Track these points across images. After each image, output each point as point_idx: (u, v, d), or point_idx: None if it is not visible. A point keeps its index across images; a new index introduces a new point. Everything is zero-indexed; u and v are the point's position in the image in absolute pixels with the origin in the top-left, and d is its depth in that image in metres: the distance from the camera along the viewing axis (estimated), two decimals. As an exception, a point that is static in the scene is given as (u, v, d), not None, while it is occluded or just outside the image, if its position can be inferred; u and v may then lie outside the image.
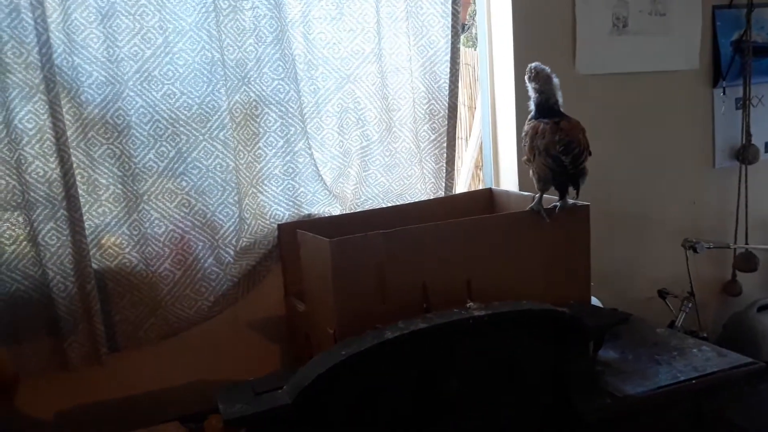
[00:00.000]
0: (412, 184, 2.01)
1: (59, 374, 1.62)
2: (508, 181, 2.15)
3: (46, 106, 1.55)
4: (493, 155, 2.22)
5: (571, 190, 1.66)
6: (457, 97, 2.04)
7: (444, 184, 2.05)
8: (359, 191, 1.97)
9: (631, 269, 2.28)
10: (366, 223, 1.69)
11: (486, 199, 2.04)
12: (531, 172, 1.67)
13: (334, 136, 1.92)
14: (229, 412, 1.27)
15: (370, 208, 1.95)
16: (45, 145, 1.55)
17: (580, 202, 1.69)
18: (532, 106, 1.68)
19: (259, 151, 1.81)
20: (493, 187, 2.15)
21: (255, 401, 1.31)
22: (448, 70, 1.99)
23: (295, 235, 1.73)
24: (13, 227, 1.57)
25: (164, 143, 1.68)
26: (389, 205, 1.97)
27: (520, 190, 2.05)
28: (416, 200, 1.99)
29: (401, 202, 1.98)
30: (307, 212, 1.88)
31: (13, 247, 1.57)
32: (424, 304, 1.54)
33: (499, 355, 1.46)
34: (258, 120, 1.80)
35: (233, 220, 1.75)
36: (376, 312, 1.48)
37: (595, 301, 1.82)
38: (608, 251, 1.95)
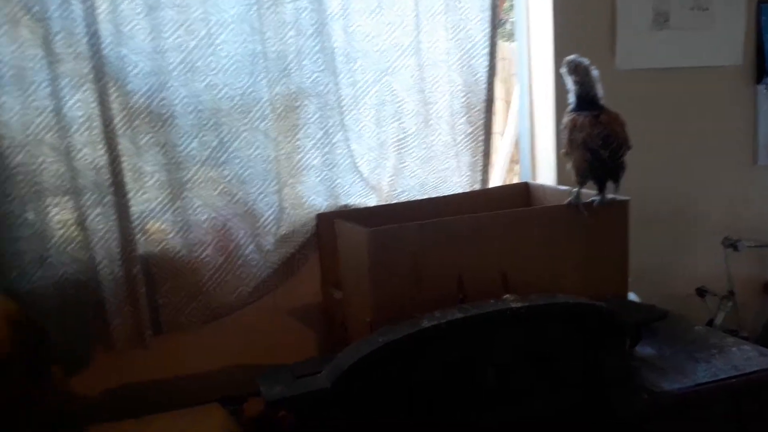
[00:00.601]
0: (447, 176, 2.02)
1: (105, 355, 1.67)
2: (545, 175, 2.15)
3: (95, 96, 1.60)
4: (529, 149, 2.22)
5: (609, 184, 1.65)
6: (494, 91, 2.05)
7: (480, 178, 2.06)
8: (395, 183, 1.99)
9: (669, 266, 2.26)
10: (402, 215, 1.72)
11: (522, 193, 2.04)
12: (569, 165, 1.67)
13: (371, 129, 1.94)
14: (269, 394, 1.30)
15: (406, 200, 1.97)
16: (93, 133, 1.60)
17: (619, 197, 1.68)
18: (571, 98, 1.68)
19: (298, 142, 1.83)
20: (529, 181, 2.14)
21: (295, 384, 1.34)
22: (486, 63, 2.00)
23: (333, 225, 1.76)
24: (63, 212, 1.63)
25: (207, 133, 1.72)
26: (425, 197, 1.98)
27: (557, 184, 2.04)
28: (452, 193, 1.99)
29: (437, 195, 1.99)
30: (344, 203, 1.91)
31: (62, 231, 1.63)
32: (460, 295, 1.55)
33: (534, 348, 1.46)
34: (297, 112, 1.83)
35: (273, 209, 1.78)
36: (411, 302, 1.49)
37: (632, 297, 1.81)
38: (646, 247, 1.93)
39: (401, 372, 1.37)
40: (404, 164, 1.98)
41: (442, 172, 2.01)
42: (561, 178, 2.04)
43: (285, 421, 1.59)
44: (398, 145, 1.96)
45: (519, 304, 1.44)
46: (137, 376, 1.75)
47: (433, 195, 1.99)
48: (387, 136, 1.95)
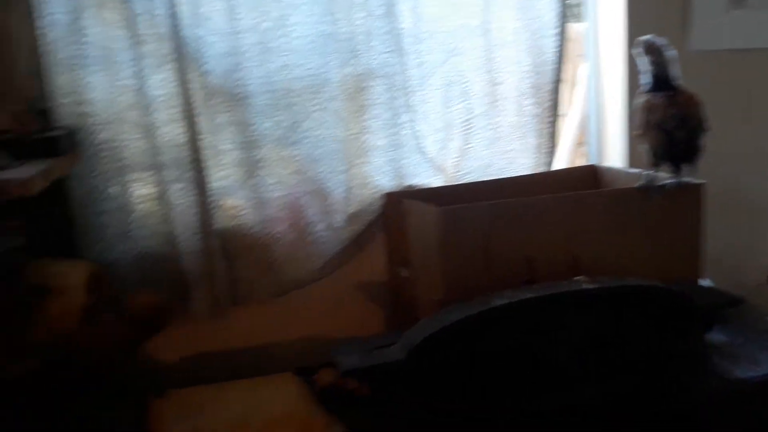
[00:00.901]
0: (513, 158, 2.01)
1: (184, 325, 1.75)
2: (613, 157, 2.12)
3: (175, 75, 1.66)
4: (597, 131, 2.19)
5: (684, 167, 1.62)
6: (562, 72, 2.02)
7: (545, 160, 2.05)
8: (460, 164, 1.99)
9: (742, 253, 2.20)
10: (467, 196, 1.72)
11: (589, 176, 2.02)
12: (642, 147, 1.64)
13: (437, 109, 1.94)
14: (344, 364, 1.35)
15: (471, 181, 1.98)
16: (173, 111, 1.66)
17: (693, 180, 1.65)
18: (644, 79, 1.65)
19: (366, 122, 1.86)
20: (596, 163, 2.12)
21: (368, 356, 1.38)
22: (555, 44, 1.98)
23: (399, 204, 1.78)
24: (144, 187, 1.70)
25: (279, 113, 1.76)
26: (490, 178, 1.98)
27: (627, 167, 2.01)
28: (517, 175, 1.99)
29: (502, 176, 1.99)
30: (409, 183, 1.93)
31: (143, 205, 1.71)
32: (528, 276, 1.55)
33: (605, 330, 1.46)
34: (365, 92, 1.85)
35: (342, 188, 1.82)
36: (480, 282, 1.51)
37: (706, 283, 1.78)
38: (719, 233, 1.88)
39: (470, 350, 1.40)
40: (470, 145, 1.98)
41: (507, 154, 2.01)
42: (631, 160, 2.01)
43: (357, 392, 1.63)
44: (464, 126, 1.97)
45: (591, 286, 1.45)
46: (213, 345, 1.82)
47: (498, 177, 1.99)
48: (453, 117, 1.95)
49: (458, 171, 1.99)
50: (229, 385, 1.66)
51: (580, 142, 2.46)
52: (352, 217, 1.85)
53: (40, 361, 1.19)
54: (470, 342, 1.37)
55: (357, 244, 1.88)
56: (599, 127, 2.18)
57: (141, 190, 1.70)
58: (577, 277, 1.48)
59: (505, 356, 1.41)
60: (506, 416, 1.42)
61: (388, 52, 1.85)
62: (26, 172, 1.17)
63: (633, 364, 1.47)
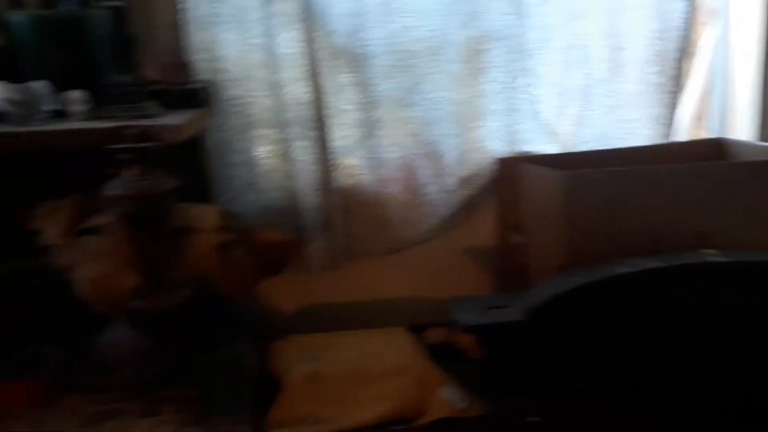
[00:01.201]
0: (633, 128, 1.95)
1: (301, 276, 1.83)
2: (741, 130, 2.01)
3: (302, 35, 1.71)
4: (723, 103, 2.08)
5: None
6: (689, 41, 1.93)
7: (664, 132, 1.98)
8: (576, 132, 1.95)
9: None
10: (584, 165, 1.68)
11: (713, 149, 1.92)
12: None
13: (556, 74, 1.91)
14: (463, 320, 1.38)
15: (586, 150, 1.94)
16: (299, 71, 1.72)
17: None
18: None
19: (482, 86, 1.85)
20: (721, 136, 2.02)
21: (486, 315, 1.40)
22: (683, 9, 1.89)
23: (513, 170, 1.77)
24: (269, 144, 1.78)
25: (400, 74, 1.78)
26: (607, 148, 1.93)
27: (759, 140, 1.91)
28: (636, 145, 1.93)
29: (619, 146, 1.93)
30: (522, 149, 1.91)
31: (268, 161, 1.79)
32: (652, 246, 1.52)
33: (731, 305, 1.41)
34: (484, 55, 1.84)
35: (455, 151, 1.84)
36: (600, 250, 1.48)
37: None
38: None
39: (589, 315, 1.39)
40: (587, 113, 1.94)
41: (626, 123, 1.95)
42: (763, 133, 1.90)
43: (469, 349, 1.67)
44: (583, 93, 1.92)
45: (719, 259, 1.40)
46: (328, 297, 1.90)
47: (615, 146, 1.94)
48: (572, 83, 1.91)
49: (573, 139, 1.96)
50: (343, 334, 1.73)
51: (701, 115, 2.35)
52: (464, 181, 1.87)
53: (183, 295, 1.29)
54: (591, 308, 1.37)
55: (468, 208, 1.90)
56: (726, 99, 2.07)
57: (266, 146, 1.78)
58: (704, 250, 1.43)
59: (625, 325, 1.40)
60: (623, 387, 1.42)
61: (509, 14, 1.82)
62: (178, 120, 1.26)
63: (760, 341, 1.42)
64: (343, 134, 1.80)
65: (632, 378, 1.43)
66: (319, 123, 1.75)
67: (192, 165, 1.63)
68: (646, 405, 1.44)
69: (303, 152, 1.76)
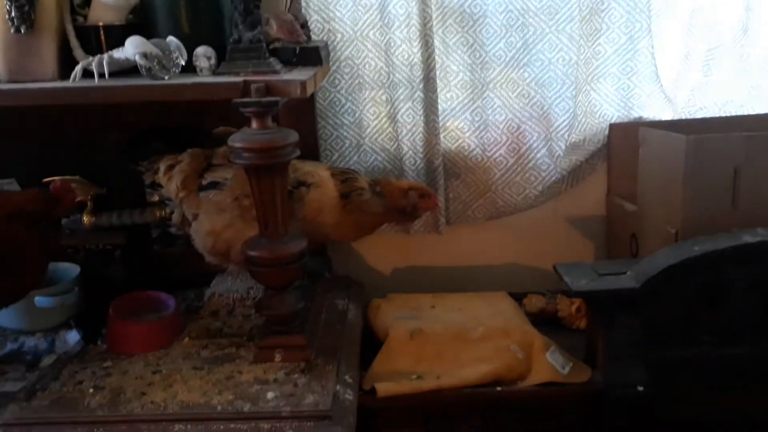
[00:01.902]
0: (760, 94, 1.82)
1: (400, 237, 1.86)
2: None
3: (415, -6, 1.70)
4: None
5: None
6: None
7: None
8: (695, 98, 1.85)
9: None
10: (702, 131, 1.59)
11: None
12: None
13: (680, 36, 1.80)
14: (576, 285, 1.35)
15: (707, 116, 1.83)
16: (411, 30, 1.71)
17: None
18: None
19: (599, 47, 1.78)
20: None
21: (600, 280, 1.37)
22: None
23: (626, 136, 1.71)
24: (377, 105, 1.79)
25: (513, 34, 1.74)
26: (730, 114, 1.82)
27: None
28: (760, 112, 1.80)
29: (744, 113, 1.81)
30: (637, 115, 1.83)
31: (375, 122, 1.81)
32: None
33: None
34: (602, 15, 1.75)
35: (567, 114, 1.78)
36: (724, 217, 1.42)
37: None
38: None
39: (710, 284, 1.33)
40: (709, 78, 1.82)
41: (754, 90, 1.82)
42: None
43: (569, 317, 1.65)
44: (706, 57, 1.80)
45: None
46: (426, 260, 1.92)
47: (739, 114, 1.82)
48: (695, 47, 1.80)
49: (691, 106, 1.85)
50: (443, 295, 1.74)
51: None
52: (574, 147, 1.81)
53: (299, 246, 1.33)
54: (712, 277, 1.31)
55: (576, 174, 1.84)
56: None
57: (374, 108, 1.79)
58: None
59: (743, 295, 1.33)
60: (739, 360, 1.35)
61: (630, -28, 1.73)
62: (302, 76, 1.29)
63: None
64: (450, 96, 1.79)
65: (750, 351, 1.37)
66: (427, 84, 1.74)
67: (302, 124, 1.66)
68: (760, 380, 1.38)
69: (410, 114, 1.76)
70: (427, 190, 1.57)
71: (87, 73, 1.29)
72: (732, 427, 1.41)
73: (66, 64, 1.33)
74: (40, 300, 1.48)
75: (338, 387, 1.27)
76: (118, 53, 1.28)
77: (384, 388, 1.39)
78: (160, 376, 1.31)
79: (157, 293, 1.57)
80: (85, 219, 1.68)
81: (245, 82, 1.22)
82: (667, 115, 1.84)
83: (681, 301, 1.34)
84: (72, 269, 1.61)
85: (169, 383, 1.29)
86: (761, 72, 1.81)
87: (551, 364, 1.45)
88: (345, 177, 1.52)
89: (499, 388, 1.42)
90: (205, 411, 1.19)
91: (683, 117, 1.84)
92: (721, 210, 1.42)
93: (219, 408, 1.20)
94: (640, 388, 1.32)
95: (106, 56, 1.28)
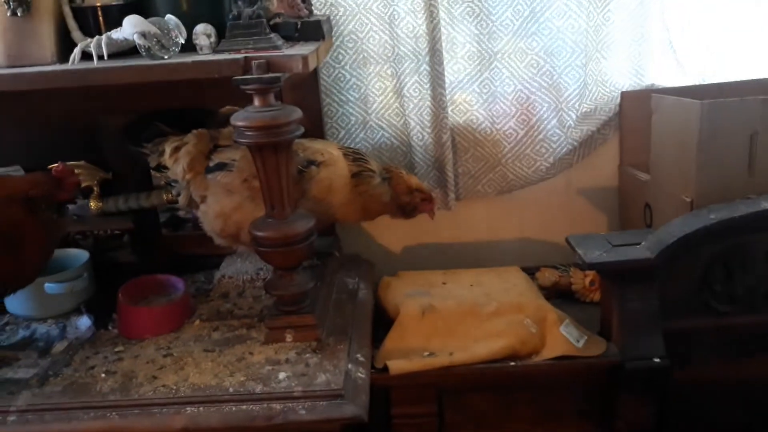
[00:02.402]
0: (776, 57, 1.77)
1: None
2: None
3: (418, -37, 1.66)
4: None
5: None
6: None
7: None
8: (708, 64, 1.79)
9: None
10: (717, 97, 1.55)
11: None
12: None
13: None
14: (589, 257, 1.33)
15: (723, 81, 1.77)
16: (415, 1, 1.67)
17: None
18: None
19: (609, 13, 1.72)
20: None
21: (613, 252, 1.34)
22: None
23: (638, 105, 1.66)
24: (383, 80, 1.76)
25: (520, 2, 1.69)
26: (744, 79, 1.76)
27: None
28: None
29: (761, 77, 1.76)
30: (649, 83, 1.79)
31: (381, 97, 1.77)
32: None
33: None
34: (612, -22, 1.71)
35: (578, 83, 1.73)
36: (739, 184, 1.39)
37: None
38: None
39: (728, 252, 1.30)
40: (726, 43, 1.77)
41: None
42: None
43: (582, 290, 1.62)
44: (723, 19, 1.75)
45: None
46: (436, 237, 1.89)
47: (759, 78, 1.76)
48: (711, 8, 1.74)
49: (704, 72, 1.80)
50: (454, 271, 1.72)
51: None
52: (585, 116, 1.77)
53: (306, 226, 1.31)
54: (730, 245, 1.28)
55: (588, 145, 1.81)
56: None
57: (380, 83, 1.76)
58: None
59: (765, 263, 1.30)
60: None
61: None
62: (303, 51, 1.26)
63: None
64: (457, 68, 1.75)
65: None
66: (432, 56, 1.70)
67: (306, 102, 1.64)
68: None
69: (416, 88, 1.73)
70: (430, 195, 1.56)
71: (86, 56, 1.27)
72: (750, 396, 1.39)
73: (65, 47, 1.31)
74: (50, 287, 1.48)
75: (350, 366, 1.26)
76: (117, 34, 1.26)
77: (396, 366, 1.38)
78: (172, 359, 1.31)
79: (167, 276, 1.57)
80: (92, 204, 1.67)
81: (246, 58, 1.19)
82: (680, 81, 1.79)
83: (697, 271, 1.32)
84: (81, 255, 1.61)
85: (180, 366, 1.28)
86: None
87: (565, 337, 1.43)
88: (356, 156, 1.50)
89: (512, 363, 1.40)
90: (216, 393, 1.19)
91: (697, 83, 1.80)
92: (737, 177, 1.38)
93: (231, 390, 1.19)
94: (657, 360, 1.30)
95: (104, 37, 1.26)
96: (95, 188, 1.68)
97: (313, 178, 1.43)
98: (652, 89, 1.74)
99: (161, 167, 1.55)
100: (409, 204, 1.52)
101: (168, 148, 1.48)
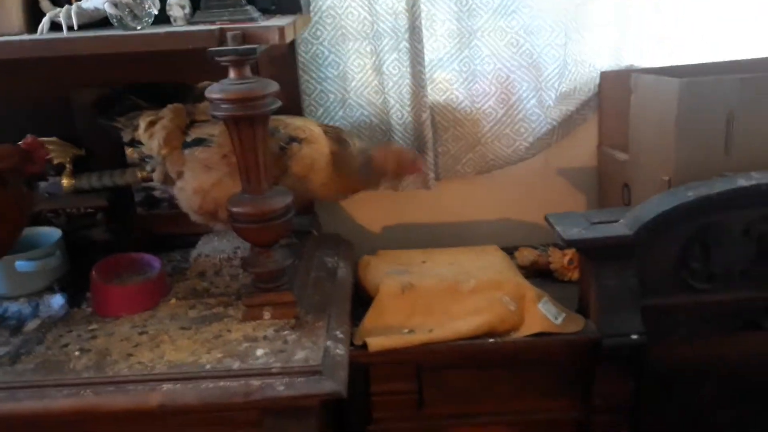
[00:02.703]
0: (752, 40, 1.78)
1: (389, 194, 1.82)
2: None
3: (397, -63, 1.63)
4: None
5: None
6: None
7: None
8: (688, 43, 1.80)
9: None
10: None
11: None
12: None
13: (671, -21, 1.75)
14: (568, 234, 1.33)
15: (701, 62, 1.78)
16: (395, -23, 1.65)
17: None
18: None
19: (590, -8, 1.72)
20: None
21: (591, 229, 1.34)
22: None
23: (617, 85, 1.66)
24: (362, 57, 1.73)
25: (501, -23, 1.68)
26: (722, 60, 1.77)
27: None
28: (754, 57, 1.76)
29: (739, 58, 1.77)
30: (628, 64, 1.79)
31: (360, 75, 1.75)
32: (774, 161, 1.40)
33: None
34: (593, -44, 1.70)
35: (558, 62, 1.73)
36: (717, 163, 1.40)
37: None
38: None
39: (704, 230, 1.31)
40: (707, 22, 1.77)
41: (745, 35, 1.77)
42: None
43: (560, 269, 1.63)
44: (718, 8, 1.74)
45: None
46: (415, 217, 1.89)
47: (735, 59, 1.77)
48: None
49: (692, 52, 1.80)
50: (433, 250, 1.72)
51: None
52: (565, 96, 1.77)
53: (284, 202, 1.30)
54: (703, 221, 1.29)
55: (566, 125, 1.81)
56: None
57: (359, 60, 1.73)
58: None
59: (737, 240, 1.31)
60: (736, 307, 1.34)
61: None
62: (280, 23, 1.24)
63: None
64: (436, 46, 1.73)
65: (746, 296, 1.36)
66: (412, 33, 1.68)
67: (283, 79, 1.61)
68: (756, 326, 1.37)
69: (396, 65, 1.71)
70: (415, 154, 1.55)
71: (56, 26, 1.23)
72: (728, 373, 1.41)
73: (33, 18, 1.28)
74: (21, 264, 1.44)
75: (329, 342, 1.25)
76: (87, 3, 1.23)
77: (375, 343, 1.38)
78: (147, 336, 1.29)
79: (141, 255, 1.54)
80: (65, 182, 1.63)
81: (221, 29, 1.16)
82: (659, 62, 1.80)
83: (675, 248, 1.33)
84: (53, 233, 1.57)
85: (156, 344, 1.26)
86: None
87: (543, 314, 1.43)
88: (336, 133, 1.48)
89: (491, 340, 1.40)
90: (193, 370, 1.17)
91: (679, 63, 1.80)
92: (715, 156, 1.39)
93: (208, 366, 1.18)
94: (635, 337, 1.31)
95: (74, 6, 1.22)
96: (68, 165, 1.64)
97: (294, 155, 1.41)
98: (631, 69, 1.74)
99: (135, 142, 1.52)
100: (396, 170, 1.51)
101: (143, 123, 1.45)
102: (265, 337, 1.27)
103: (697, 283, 1.36)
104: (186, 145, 1.42)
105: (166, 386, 1.14)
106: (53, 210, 1.66)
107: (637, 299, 1.35)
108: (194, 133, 1.43)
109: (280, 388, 1.13)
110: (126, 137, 1.48)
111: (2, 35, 1.24)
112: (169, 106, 1.46)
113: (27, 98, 1.61)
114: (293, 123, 1.46)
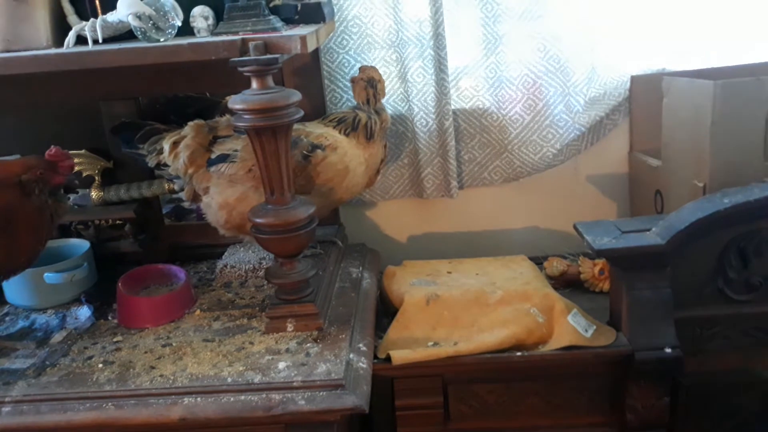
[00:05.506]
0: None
1: (416, 203, 1.80)
2: None
3: (422, -55, 1.61)
4: None
5: None
6: None
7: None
8: (720, 47, 1.74)
9: None
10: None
11: None
12: None
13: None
14: (598, 243, 1.28)
15: (733, 65, 1.72)
16: (419, -16, 1.63)
17: None
18: None
19: (617, -5, 1.68)
20: None
21: (623, 238, 1.30)
22: None
23: (648, 89, 1.62)
24: (387, 65, 1.72)
25: (527, -17, 1.65)
26: (754, 62, 1.70)
27: None
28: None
29: None
30: (660, 67, 1.74)
31: (386, 83, 1.72)
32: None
33: None
34: (622, -40, 1.66)
35: (586, 67, 1.69)
36: (754, 168, 1.34)
37: None
38: None
39: (745, 239, 1.26)
40: (738, 24, 1.71)
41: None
42: None
43: (591, 280, 1.58)
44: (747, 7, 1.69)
45: None
46: (440, 225, 1.86)
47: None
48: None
49: (718, 54, 1.75)
50: (460, 260, 1.69)
51: None
52: (594, 101, 1.72)
53: (307, 212, 1.29)
54: (740, 229, 1.23)
55: (596, 130, 1.76)
56: None
57: (384, 68, 1.72)
58: None
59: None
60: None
61: None
62: (302, 32, 1.23)
63: None
64: (462, 53, 1.70)
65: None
66: (436, 41, 1.66)
67: (308, 89, 1.61)
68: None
69: (420, 73, 1.69)
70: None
71: (82, 40, 1.25)
72: (766, 388, 1.34)
73: (60, 32, 1.29)
74: (50, 276, 1.46)
75: (351, 355, 1.23)
76: (112, 16, 1.24)
77: (399, 356, 1.35)
78: (170, 349, 1.29)
79: (168, 266, 1.55)
80: (94, 194, 1.66)
81: (243, 39, 1.16)
82: (692, 65, 1.74)
83: (711, 258, 1.27)
84: (82, 245, 1.59)
85: (178, 356, 1.26)
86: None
87: (573, 327, 1.39)
88: (339, 121, 1.51)
89: (519, 353, 1.37)
90: (214, 383, 1.16)
91: (711, 66, 1.75)
92: (753, 160, 1.34)
93: (229, 380, 1.17)
94: (668, 350, 1.26)
95: (99, 20, 1.23)
96: (96, 177, 1.66)
97: (319, 163, 1.40)
98: (663, 73, 1.69)
99: (162, 165, 1.52)
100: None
101: (167, 145, 1.45)
102: (287, 350, 1.25)
103: (735, 293, 1.30)
104: (211, 162, 1.42)
105: (187, 400, 1.14)
106: (82, 222, 1.69)
107: (671, 311, 1.30)
108: (218, 150, 1.42)
109: (301, 402, 1.12)
110: (151, 162, 1.49)
111: (30, 49, 1.26)
112: (190, 123, 1.46)
113: (56, 111, 1.64)
114: (315, 131, 1.45)
